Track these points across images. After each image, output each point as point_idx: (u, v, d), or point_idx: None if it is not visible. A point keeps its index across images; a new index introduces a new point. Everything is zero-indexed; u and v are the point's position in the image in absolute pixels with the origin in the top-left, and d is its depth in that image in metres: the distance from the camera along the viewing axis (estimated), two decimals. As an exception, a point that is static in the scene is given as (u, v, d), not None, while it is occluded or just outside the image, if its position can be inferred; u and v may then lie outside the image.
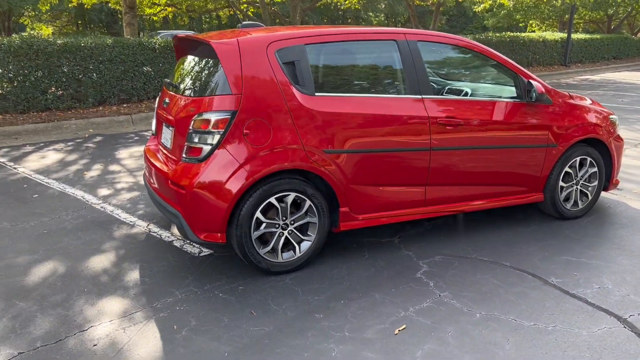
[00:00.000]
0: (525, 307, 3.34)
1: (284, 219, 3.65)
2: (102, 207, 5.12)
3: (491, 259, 4.02)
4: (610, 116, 4.95)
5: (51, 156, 7.24)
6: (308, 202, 3.69)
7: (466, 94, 4.63)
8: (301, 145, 3.58)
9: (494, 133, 4.28)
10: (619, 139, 5.02)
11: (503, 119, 4.30)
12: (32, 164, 6.76)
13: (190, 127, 3.54)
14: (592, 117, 4.76)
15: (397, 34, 4.04)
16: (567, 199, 4.81)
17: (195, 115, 3.52)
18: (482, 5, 27.73)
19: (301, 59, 3.64)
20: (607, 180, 5.02)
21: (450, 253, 4.13)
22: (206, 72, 3.73)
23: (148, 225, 4.65)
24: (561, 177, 4.69)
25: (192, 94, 3.75)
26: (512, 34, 20.48)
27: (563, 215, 4.79)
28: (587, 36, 24.13)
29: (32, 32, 40.27)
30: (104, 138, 8.54)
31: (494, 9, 31.73)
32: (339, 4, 24.11)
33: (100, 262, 3.93)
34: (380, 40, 4.03)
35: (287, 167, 3.54)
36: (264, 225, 3.60)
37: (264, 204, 3.55)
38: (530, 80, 4.34)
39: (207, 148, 3.47)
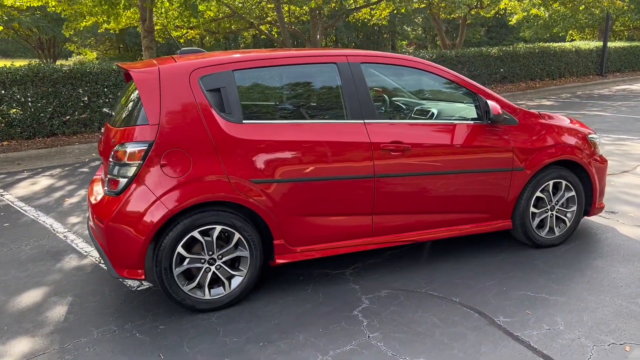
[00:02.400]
0: (458, 352, 3.04)
1: (210, 253, 3.48)
2: (64, 237, 5.09)
3: (441, 294, 3.73)
4: (589, 136, 4.58)
5: (42, 182, 7.33)
6: (237, 235, 3.51)
7: (432, 115, 4.37)
8: (225, 176, 3.42)
9: (449, 157, 4.00)
10: (600, 159, 4.63)
11: (459, 142, 4.02)
12: (20, 191, 6.85)
13: (110, 159, 3.44)
14: (565, 138, 4.41)
15: (338, 57, 3.84)
16: (541, 225, 4.46)
17: (115, 147, 3.42)
18: (515, 17, 27.09)
19: (228, 86, 3.49)
20: (589, 204, 4.63)
21: (400, 287, 3.86)
22: (132, 102, 3.63)
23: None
24: (532, 203, 4.35)
25: (116, 125, 3.65)
26: (542, 44, 19.82)
27: (536, 243, 4.44)
28: (626, 44, 23.12)
29: (77, 57, 41.81)
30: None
31: (530, 20, 30.91)
32: (365, 19, 23.97)
33: (34, 296, 3.86)
34: (319, 64, 3.84)
35: (208, 199, 3.38)
36: (187, 260, 3.44)
37: (186, 238, 3.40)
38: (488, 100, 4.05)
39: (123, 181, 3.35)
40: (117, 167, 3.38)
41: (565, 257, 4.32)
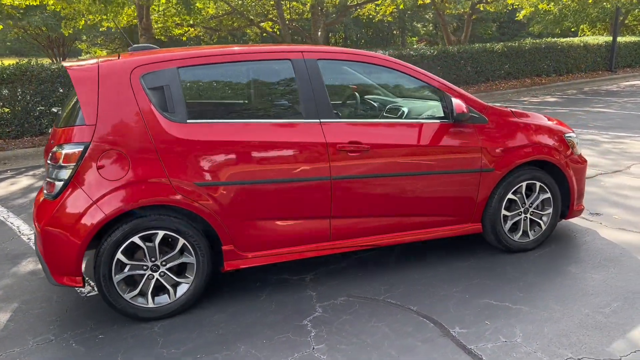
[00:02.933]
0: (403, 366, 2.87)
1: (153, 259, 3.33)
2: (28, 239, 4.98)
3: (400, 302, 3.55)
4: (566, 135, 4.36)
5: (22, 182, 7.25)
6: (182, 241, 3.36)
7: (398, 114, 4.18)
8: (167, 179, 3.26)
9: (413, 158, 3.81)
10: (578, 160, 4.41)
11: (423, 142, 3.83)
12: (-2, 191, 6.77)
13: (49, 161, 3.30)
14: (539, 137, 4.20)
15: (293, 53, 3.66)
16: (514, 229, 4.25)
17: (53, 148, 3.29)
18: (522, 12, 26.63)
19: (172, 84, 3.34)
20: (567, 206, 4.41)
21: (359, 294, 3.68)
22: (73, 101, 3.49)
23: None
24: (503, 205, 4.14)
25: (59, 125, 3.52)
26: (549, 40, 19.44)
27: (509, 247, 4.23)
28: (637, 38, 22.62)
29: (87, 55, 42.07)
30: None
31: (540, 15, 30.40)
32: (370, 16, 23.72)
33: (-20, 302, 3.74)
34: (273, 60, 3.67)
35: (148, 203, 3.23)
36: (128, 267, 3.30)
37: (126, 243, 3.25)
38: (452, 98, 3.85)
39: (59, 184, 3.21)
40: (54, 170, 3.24)
41: (537, 262, 4.11)
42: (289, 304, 3.58)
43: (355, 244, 3.81)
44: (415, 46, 38.43)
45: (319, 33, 17.44)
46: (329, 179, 3.60)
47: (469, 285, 3.77)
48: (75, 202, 3.17)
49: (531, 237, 4.29)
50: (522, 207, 4.23)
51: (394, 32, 52.50)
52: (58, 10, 15.38)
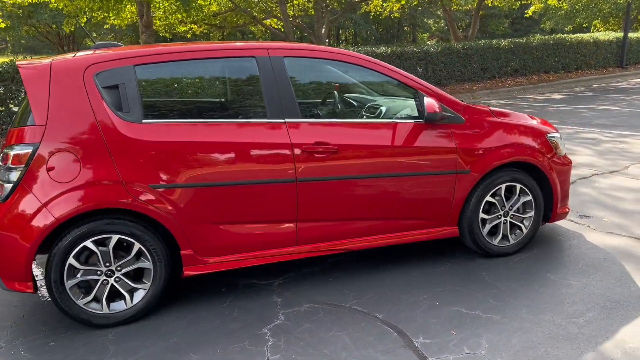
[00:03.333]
0: (357, 379, 2.73)
1: (108, 264, 3.23)
2: None
3: (366, 309, 3.41)
4: (549, 135, 4.18)
5: None
6: (137, 245, 3.25)
7: (381, 113, 4.03)
8: (120, 181, 3.15)
9: (384, 159, 3.67)
10: (562, 161, 4.23)
11: (395, 143, 3.69)
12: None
13: (0, 162, 3.21)
14: (519, 137, 4.03)
15: (258, 50, 3.53)
16: (494, 232, 4.09)
17: (4, 149, 3.19)
18: (531, 9, 26.27)
19: (127, 83, 3.22)
20: (550, 209, 4.23)
21: (326, 300, 3.55)
22: (26, 100, 3.39)
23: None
24: (481, 208, 3.98)
25: (14, 125, 3.42)
26: (558, 36, 19.10)
27: (488, 252, 4.08)
28: (649, 34, 22.15)
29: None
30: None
31: (551, 11, 29.97)
32: (377, 12, 23.50)
33: (-61, 306, 3.66)
34: (236, 58, 3.55)
35: (99, 206, 3.12)
36: (81, 272, 3.19)
37: (78, 248, 3.14)
38: (425, 97, 3.69)
39: (8, 186, 3.11)
40: (3, 171, 3.15)
41: (516, 268, 3.94)
42: (251, 310, 3.46)
43: (324, 249, 3.68)
44: (428, 42, 38.06)
45: (323, 30, 17.27)
46: (294, 181, 3.47)
47: (440, 291, 3.62)
48: (24, 205, 3.07)
49: (512, 241, 4.13)
50: (502, 210, 4.06)
51: (405, 28, 52.17)
52: (61, 7, 15.36)
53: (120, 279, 3.27)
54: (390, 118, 3.85)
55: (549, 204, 4.22)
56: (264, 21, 18.06)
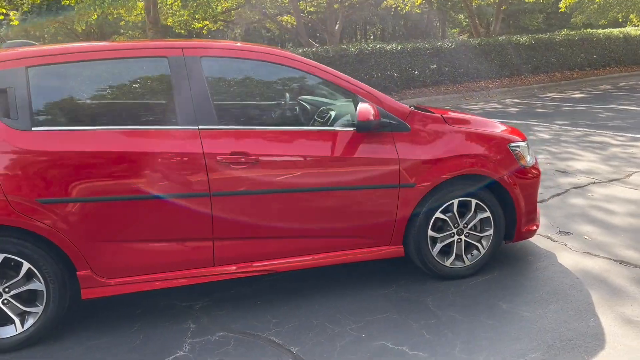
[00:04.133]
0: None
1: (-7, 286, 2.94)
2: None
3: (282, 341, 3.05)
4: (512, 144, 3.72)
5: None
6: (27, 265, 2.95)
7: (329, 118, 3.66)
8: (2, 195, 2.85)
9: (314, 171, 3.29)
10: (527, 173, 3.77)
11: (327, 153, 3.31)
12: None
13: None
14: (473, 147, 3.60)
15: (172, 49, 3.20)
16: (446, 252, 3.67)
17: None
18: (563, 2, 25.23)
19: (15, 86, 2.93)
20: (513, 227, 3.78)
21: (243, 328, 3.20)
22: None
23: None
24: (430, 226, 3.56)
25: None
26: (585, 31, 18.23)
27: (439, 273, 3.66)
28: (685, 29, 20.97)
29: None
30: None
31: (583, 4, 28.83)
32: (398, 8, 22.93)
33: None
34: (145, 58, 3.22)
35: (-22, 222, 2.83)
36: (-40, 294, 2.92)
37: (-44, 268, 2.87)
38: (360, 103, 3.30)
39: None
40: None
41: (467, 293, 3.51)
42: (158, 338, 3.13)
43: (245, 270, 3.33)
44: (458, 38, 36.94)
45: (337, 26, 16.85)
46: (208, 195, 3.12)
47: (372, 320, 3.22)
48: None
49: (467, 263, 3.70)
50: (455, 227, 3.63)
51: (435, 23, 51.13)
52: (73, 4, 15.35)
53: (9, 301, 2.98)
54: (327, 125, 3.47)
55: (512, 221, 3.77)
56: (276, 18, 17.73)
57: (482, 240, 3.72)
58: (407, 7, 22.38)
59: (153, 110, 3.30)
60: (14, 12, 15.49)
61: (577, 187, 5.69)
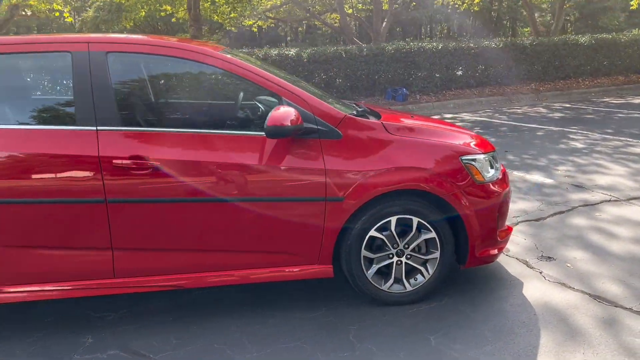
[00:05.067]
0: None
1: None
2: None
3: (171, 366, 2.77)
4: (464, 157, 3.25)
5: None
6: None
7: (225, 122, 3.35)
8: None
9: (225, 179, 3.00)
10: (484, 190, 3.29)
11: (240, 160, 3.00)
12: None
13: None
14: (416, 159, 3.17)
15: (76, 44, 2.98)
16: (385, 274, 3.27)
17: None
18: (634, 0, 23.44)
19: None
20: (466, 250, 3.32)
21: (136, 348, 2.94)
22: None
23: None
24: (364, 244, 3.18)
25: None
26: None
27: (376, 299, 3.27)
28: None
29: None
30: None
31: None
32: (456, 5, 22.11)
33: None
34: (47, 53, 3.02)
35: None
36: None
37: None
38: (282, 107, 2.97)
39: None
40: None
41: (400, 323, 3.10)
42: (48, 352, 2.93)
43: (148, 285, 3.07)
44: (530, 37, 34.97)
45: (384, 24, 16.37)
46: (104, 201, 2.89)
47: (279, 349, 2.89)
48: None
49: (409, 288, 3.28)
50: (394, 248, 3.22)
51: (505, 22, 49.20)
52: (123, 2, 15.72)
53: None
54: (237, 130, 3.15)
55: (465, 243, 3.31)
56: (321, 16, 17.45)
57: (428, 264, 3.29)
58: (464, 5, 21.47)
59: (51, 109, 3.10)
60: (69, 7, 16.02)
61: (587, 205, 5.07)
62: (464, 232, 3.26)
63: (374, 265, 3.24)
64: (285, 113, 2.89)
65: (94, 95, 2.92)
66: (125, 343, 2.99)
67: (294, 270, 3.18)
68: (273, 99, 3.48)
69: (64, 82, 2.99)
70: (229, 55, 3.13)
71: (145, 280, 3.06)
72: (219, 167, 2.97)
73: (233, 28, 19.55)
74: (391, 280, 3.26)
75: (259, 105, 3.58)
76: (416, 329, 3.03)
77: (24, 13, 14.42)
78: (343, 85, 11.84)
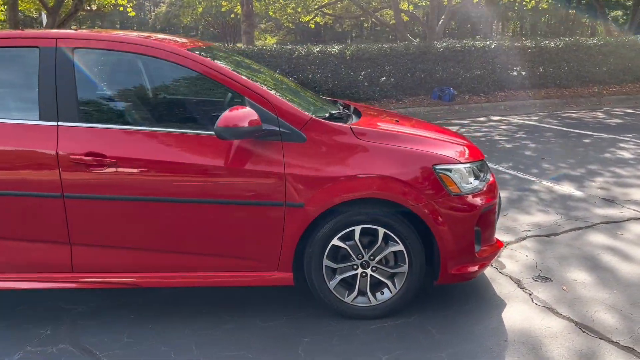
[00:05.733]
0: None
1: None
2: None
3: (111, 365, 2.75)
4: (437, 166, 3.03)
5: None
6: None
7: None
8: None
9: (182, 179, 2.94)
10: (458, 202, 3.06)
11: (199, 161, 2.94)
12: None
13: None
14: (382, 166, 2.98)
15: (44, 39, 3.01)
16: (351, 285, 3.12)
17: None
18: None
19: None
20: (439, 265, 3.11)
21: (86, 344, 2.94)
22: None
23: None
24: (326, 253, 3.04)
25: None
26: None
27: (339, 311, 3.13)
28: None
29: (259, 42, 44.63)
30: None
31: None
32: (524, 2, 21.18)
33: None
34: (16, 47, 3.07)
35: None
36: None
37: None
38: (246, 105, 2.88)
39: None
40: None
41: (357, 340, 2.94)
42: (6, 340, 2.99)
43: (105, 281, 3.07)
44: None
45: (441, 21, 15.91)
46: (61, 196, 2.91)
47: (220, 357, 2.81)
48: None
49: (373, 302, 3.11)
50: (359, 259, 3.06)
51: (583, 20, 46.75)
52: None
53: None
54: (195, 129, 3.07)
55: (437, 258, 3.10)
56: (375, 13, 17.15)
57: (396, 278, 3.10)
58: (531, 2, 20.51)
59: (17, 104, 3.13)
60: (133, 2, 16.57)
61: (611, 222, 4.66)
62: (435, 246, 3.05)
63: (337, 276, 3.09)
64: (241, 114, 2.80)
65: (57, 90, 2.94)
66: (78, 338, 3.00)
67: (254, 275, 3.08)
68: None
69: (32, 76, 3.02)
70: (195, 53, 3.06)
71: (102, 277, 3.06)
72: (175, 167, 2.91)
73: (290, 24, 19.61)
74: (355, 293, 3.10)
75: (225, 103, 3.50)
76: (370, 347, 2.86)
77: (88, 8, 15.03)
78: (387, 84, 11.58)
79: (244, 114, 2.79)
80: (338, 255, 3.08)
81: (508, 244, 4.21)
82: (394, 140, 3.09)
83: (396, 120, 3.63)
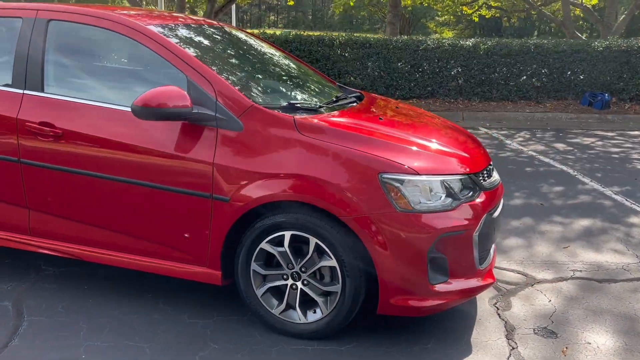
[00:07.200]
0: None
1: None
2: None
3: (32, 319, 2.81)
4: (385, 174, 2.53)
5: None
6: None
7: None
8: None
9: (115, 156, 2.85)
10: (406, 220, 2.54)
11: (132, 140, 2.82)
12: None
13: None
14: (318, 167, 2.59)
15: (27, 11, 3.14)
16: (280, 297, 2.80)
17: None
18: None
19: None
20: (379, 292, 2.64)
21: (23, 306, 3.03)
22: None
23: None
24: (253, 256, 2.75)
25: None
26: None
27: (263, 321, 2.83)
28: None
29: (434, 36, 43.52)
30: None
31: None
32: None
33: None
34: (4, 18, 3.24)
35: None
36: None
37: None
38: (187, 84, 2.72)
39: None
40: None
41: (261, 358, 2.62)
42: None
43: (57, 249, 3.12)
44: None
45: (621, 17, 13.89)
46: (17, 161, 3.03)
47: (119, 345, 2.69)
48: None
49: (302, 321, 2.74)
50: (289, 268, 2.72)
51: None
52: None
53: None
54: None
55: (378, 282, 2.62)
56: (540, 8, 15.44)
57: (330, 298, 2.69)
58: None
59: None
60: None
61: (703, 276, 3.59)
62: (372, 268, 2.57)
63: (266, 283, 2.77)
64: (164, 93, 2.61)
65: (28, 60, 3.04)
66: (25, 299, 3.10)
67: (182, 267, 2.90)
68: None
69: (10, 45, 3.16)
70: (152, 28, 2.94)
71: (53, 244, 3.11)
72: (112, 145, 2.84)
73: (452, 17, 18.66)
74: (282, 306, 2.75)
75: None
76: (271, 370, 2.52)
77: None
78: (526, 84, 10.38)
79: (166, 93, 2.60)
80: (272, 261, 2.76)
81: (540, 281, 3.47)
82: (344, 140, 2.65)
83: (396, 107, 3.16)
